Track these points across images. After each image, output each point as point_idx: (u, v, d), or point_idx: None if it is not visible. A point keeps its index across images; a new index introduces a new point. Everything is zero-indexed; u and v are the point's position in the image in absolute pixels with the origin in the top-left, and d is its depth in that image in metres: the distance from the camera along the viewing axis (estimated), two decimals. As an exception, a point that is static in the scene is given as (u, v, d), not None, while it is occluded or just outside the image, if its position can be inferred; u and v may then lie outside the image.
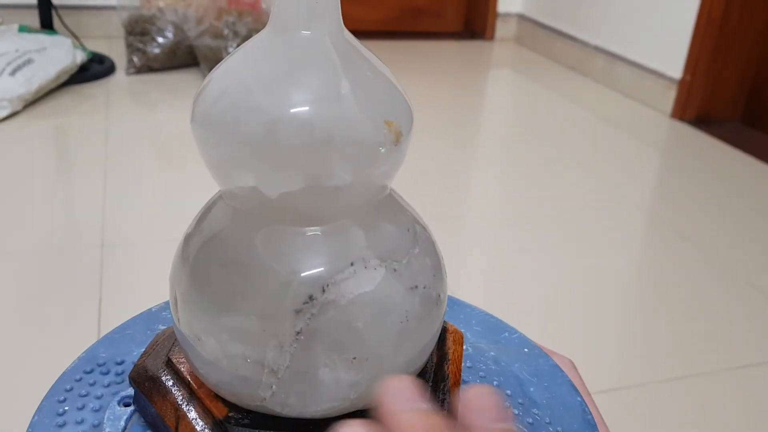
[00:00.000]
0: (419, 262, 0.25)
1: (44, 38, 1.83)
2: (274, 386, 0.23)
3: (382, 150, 0.23)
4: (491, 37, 2.85)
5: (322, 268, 0.23)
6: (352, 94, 0.22)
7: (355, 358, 0.23)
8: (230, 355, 0.23)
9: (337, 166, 0.22)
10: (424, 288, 0.25)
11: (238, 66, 0.23)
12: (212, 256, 0.24)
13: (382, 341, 0.23)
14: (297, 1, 0.22)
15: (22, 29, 1.86)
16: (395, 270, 0.24)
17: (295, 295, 0.22)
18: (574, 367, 0.37)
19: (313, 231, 0.23)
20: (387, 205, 0.26)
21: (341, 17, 0.23)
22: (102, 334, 0.89)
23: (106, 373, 0.31)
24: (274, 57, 0.23)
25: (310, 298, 0.22)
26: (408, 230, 0.26)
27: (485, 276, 1.15)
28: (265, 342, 0.22)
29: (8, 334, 0.91)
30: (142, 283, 1.04)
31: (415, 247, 0.25)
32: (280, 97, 0.22)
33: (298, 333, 0.22)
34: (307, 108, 0.22)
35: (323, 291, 0.22)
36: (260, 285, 0.23)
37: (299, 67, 0.22)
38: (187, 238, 0.26)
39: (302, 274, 0.23)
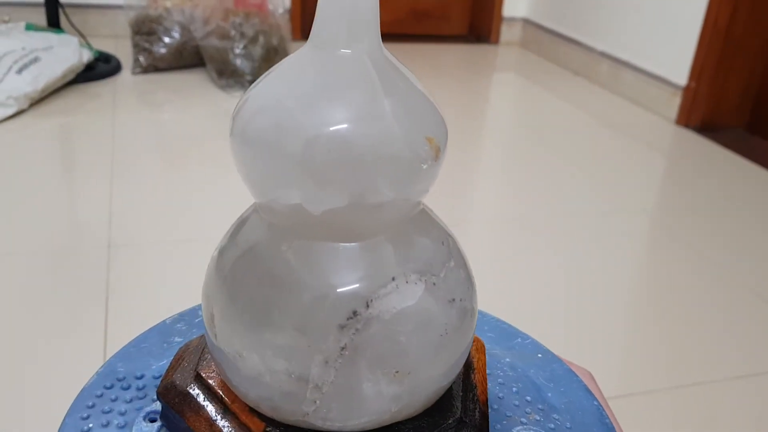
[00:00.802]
0: (454, 275, 0.25)
1: (51, 37, 1.83)
2: (317, 401, 0.23)
3: (424, 166, 0.23)
4: (496, 41, 2.85)
5: (366, 284, 0.23)
6: (392, 111, 0.22)
7: (397, 371, 0.23)
8: (274, 371, 0.23)
9: (380, 184, 0.22)
10: (461, 300, 0.25)
11: (279, 82, 0.23)
12: (250, 271, 0.24)
13: (423, 354, 0.24)
14: (336, 21, 0.23)
15: (29, 27, 1.86)
16: (434, 284, 0.24)
17: (340, 311, 0.22)
18: (593, 379, 0.37)
19: (351, 246, 0.23)
20: (420, 219, 0.26)
21: (380, 35, 0.24)
22: (108, 335, 0.89)
23: (127, 389, 0.31)
24: (316, 74, 0.23)
25: (354, 313, 0.22)
26: (442, 243, 0.26)
27: (488, 280, 1.15)
28: (309, 358, 0.23)
29: (14, 335, 0.91)
30: (149, 283, 1.04)
31: (450, 261, 0.25)
32: (323, 115, 0.22)
33: (342, 348, 0.22)
34: (349, 125, 0.22)
35: (367, 306, 0.23)
36: (304, 301, 0.23)
37: (340, 85, 0.23)
38: (222, 252, 0.26)
39: (346, 290, 0.23)
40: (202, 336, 0.30)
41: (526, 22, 2.82)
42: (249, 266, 0.24)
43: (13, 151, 1.47)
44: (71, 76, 1.82)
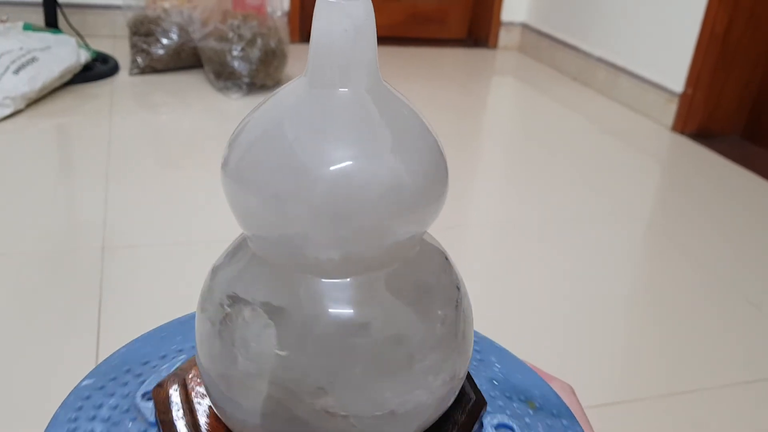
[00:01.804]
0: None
1: (49, 37, 1.83)
2: None
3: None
4: (494, 45, 2.86)
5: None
6: (393, 147, 0.22)
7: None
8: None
9: (382, 222, 0.22)
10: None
11: (276, 119, 0.23)
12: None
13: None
14: (333, 61, 0.22)
15: (27, 27, 1.86)
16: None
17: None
18: (574, 393, 0.37)
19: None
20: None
21: (378, 71, 0.23)
22: (101, 338, 0.90)
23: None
24: (314, 113, 0.23)
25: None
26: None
27: (482, 285, 1.15)
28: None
29: (6, 336, 0.91)
30: (143, 286, 1.04)
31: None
32: (324, 155, 0.22)
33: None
34: (351, 163, 0.22)
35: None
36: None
37: (338, 124, 0.22)
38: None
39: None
40: None
41: (525, 27, 2.83)
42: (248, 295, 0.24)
43: (9, 151, 1.47)
44: (69, 77, 1.82)
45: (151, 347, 0.33)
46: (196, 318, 0.26)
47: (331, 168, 0.22)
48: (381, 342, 0.23)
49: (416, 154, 0.23)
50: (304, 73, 0.23)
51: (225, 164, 0.23)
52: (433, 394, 0.24)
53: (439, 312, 0.25)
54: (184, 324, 0.36)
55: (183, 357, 0.33)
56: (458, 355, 0.25)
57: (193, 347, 0.34)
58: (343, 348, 0.23)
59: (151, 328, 0.37)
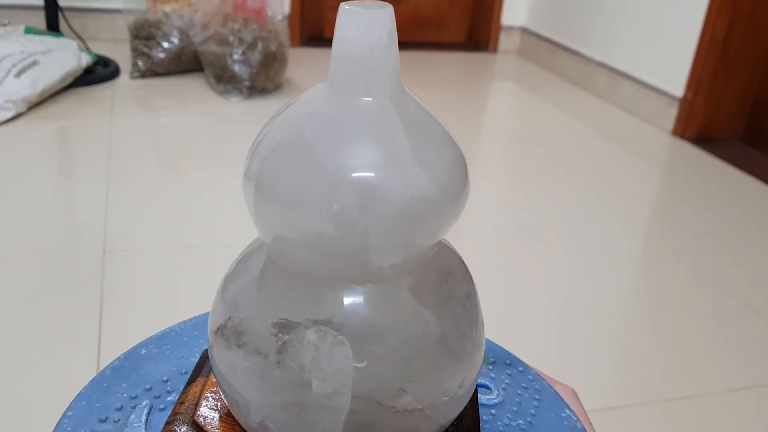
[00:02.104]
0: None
1: (50, 40, 1.84)
2: None
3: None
4: (494, 50, 2.86)
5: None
6: (414, 154, 0.22)
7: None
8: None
9: (405, 232, 0.22)
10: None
11: (298, 125, 0.23)
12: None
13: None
14: (356, 70, 0.22)
15: (29, 31, 1.87)
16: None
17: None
18: (576, 396, 0.38)
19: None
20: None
21: (401, 80, 0.23)
22: (102, 341, 0.89)
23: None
24: (339, 122, 0.23)
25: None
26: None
27: (483, 289, 1.15)
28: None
29: (7, 339, 0.91)
30: (144, 289, 1.04)
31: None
32: (346, 161, 0.22)
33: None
34: (374, 171, 0.22)
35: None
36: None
37: (363, 133, 0.22)
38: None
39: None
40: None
41: (525, 31, 2.83)
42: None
43: (11, 154, 1.47)
44: (70, 80, 1.82)
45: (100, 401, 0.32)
46: (220, 356, 0.25)
47: (356, 175, 0.21)
48: (440, 334, 0.24)
49: (439, 163, 0.23)
50: (326, 81, 0.23)
51: (248, 170, 0.23)
52: (478, 370, 0.26)
53: (467, 301, 0.26)
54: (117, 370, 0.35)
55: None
56: (483, 333, 0.27)
57: (163, 382, 0.33)
58: (415, 347, 0.23)
59: (148, 336, 0.37)
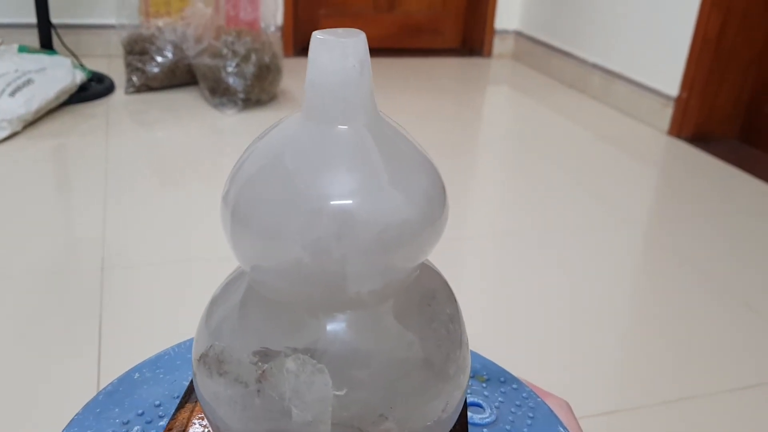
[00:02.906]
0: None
1: (44, 58, 1.84)
2: None
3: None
4: (489, 54, 2.86)
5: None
6: (391, 180, 0.22)
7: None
8: None
9: (384, 258, 0.22)
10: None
11: (274, 153, 0.23)
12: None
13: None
14: (331, 102, 0.22)
15: (22, 49, 1.87)
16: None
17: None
18: (570, 410, 0.37)
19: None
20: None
21: (376, 106, 0.23)
22: (102, 358, 0.89)
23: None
24: (313, 148, 0.23)
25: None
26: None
27: (479, 292, 1.15)
28: None
29: (6, 357, 0.90)
30: (143, 304, 1.04)
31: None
32: (323, 189, 0.22)
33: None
34: (352, 199, 0.22)
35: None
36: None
37: (339, 161, 0.22)
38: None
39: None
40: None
41: (519, 34, 2.84)
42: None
43: (7, 173, 1.47)
44: (65, 98, 1.83)
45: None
46: (203, 384, 0.25)
47: (332, 203, 0.22)
48: (423, 358, 0.24)
49: (417, 188, 0.23)
50: (301, 110, 0.23)
51: (226, 196, 0.23)
52: (463, 392, 0.26)
53: (450, 324, 0.26)
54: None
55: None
56: (468, 354, 0.27)
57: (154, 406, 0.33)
58: (397, 372, 0.23)
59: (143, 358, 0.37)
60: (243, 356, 0.23)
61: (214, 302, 0.26)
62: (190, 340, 0.39)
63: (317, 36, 0.22)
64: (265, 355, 0.23)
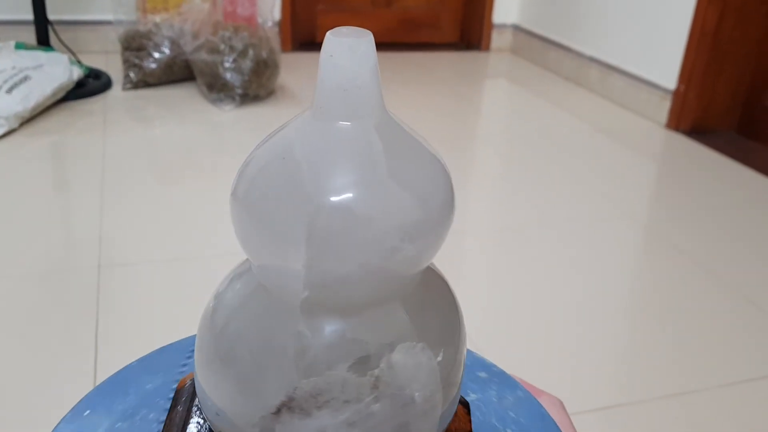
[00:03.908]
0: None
1: (41, 55, 1.84)
2: None
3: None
4: (487, 48, 2.86)
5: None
6: (398, 178, 0.23)
7: None
8: None
9: (385, 251, 0.22)
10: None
11: (282, 150, 0.23)
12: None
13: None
14: (339, 97, 0.22)
15: (19, 46, 1.87)
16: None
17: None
18: (563, 407, 0.37)
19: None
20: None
21: (384, 106, 0.24)
22: (99, 356, 0.89)
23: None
24: (321, 147, 0.23)
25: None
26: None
27: (478, 288, 1.15)
28: None
29: (4, 356, 0.90)
30: (140, 302, 1.04)
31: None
32: (328, 184, 0.22)
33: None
34: (354, 193, 0.22)
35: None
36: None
37: (346, 159, 0.22)
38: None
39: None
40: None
41: (516, 28, 2.83)
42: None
43: (4, 170, 1.47)
44: (62, 94, 1.82)
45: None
46: (292, 428, 0.24)
47: (335, 200, 0.22)
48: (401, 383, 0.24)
49: (424, 188, 0.23)
50: (311, 108, 0.24)
51: (234, 191, 0.24)
52: (458, 388, 0.27)
53: (450, 327, 0.26)
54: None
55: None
56: (464, 356, 0.27)
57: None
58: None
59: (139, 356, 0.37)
60: (341, 375, 0.23)
61: (218, 297, 0.26)
62: (187, 338, 0.39)
63: (329, 36, 0.22)
64: (364, 363, 0.23)
